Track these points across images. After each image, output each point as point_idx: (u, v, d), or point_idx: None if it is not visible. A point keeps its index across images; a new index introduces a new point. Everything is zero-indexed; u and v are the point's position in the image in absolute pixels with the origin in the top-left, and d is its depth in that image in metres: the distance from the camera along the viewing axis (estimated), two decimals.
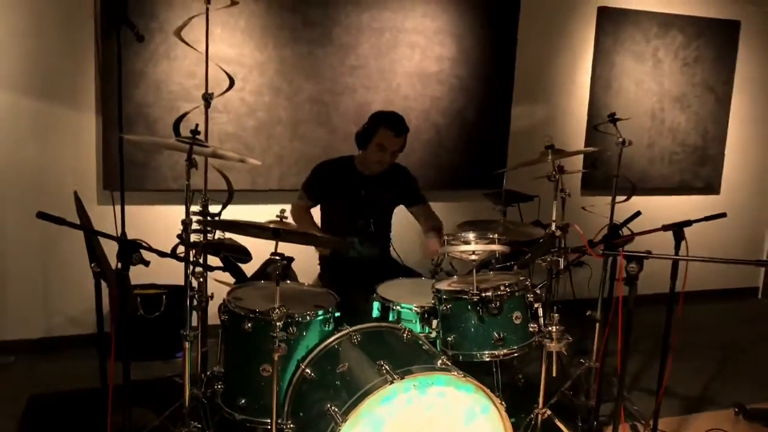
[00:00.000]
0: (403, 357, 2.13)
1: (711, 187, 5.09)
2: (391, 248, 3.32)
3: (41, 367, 3.42)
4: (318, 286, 2.89)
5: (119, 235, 2.81)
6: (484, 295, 2.28)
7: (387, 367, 1.96)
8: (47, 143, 3.49)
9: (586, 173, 4.46)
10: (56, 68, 3.45)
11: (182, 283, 3.51)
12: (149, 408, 2.82)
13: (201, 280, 2.52)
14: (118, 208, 3.01)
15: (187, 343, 2.36)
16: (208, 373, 2.76)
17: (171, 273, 3.34)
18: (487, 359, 2.33)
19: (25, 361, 3.45)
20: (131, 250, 1.90)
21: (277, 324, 2.10)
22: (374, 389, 1.90)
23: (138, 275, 3.29)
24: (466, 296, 2.32)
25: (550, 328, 2.42)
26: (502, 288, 2.32)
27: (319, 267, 3.27)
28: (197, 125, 2.34)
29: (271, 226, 2.06)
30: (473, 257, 2.29)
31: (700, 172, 5.02)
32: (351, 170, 3.16)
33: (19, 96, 3.40)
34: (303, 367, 2.26)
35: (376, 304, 2.69)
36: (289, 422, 2.23)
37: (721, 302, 5.18)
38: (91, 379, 3.20)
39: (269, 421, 2.17)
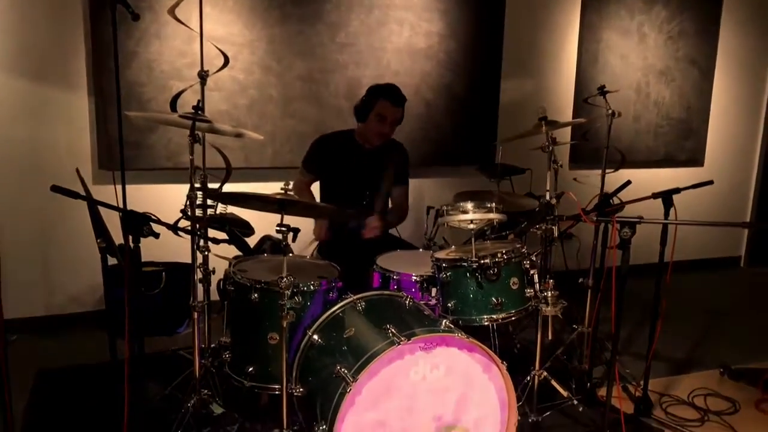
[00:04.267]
0: (407, 321, 2.20)
1: (695, 159, 5.22)
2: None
3: (44, 344, 3.46)
4: (319, 259, 2.95)
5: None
6: (482, 261, 2.35)
7: (393, 330, 2.03)
8: (41, 124, 3.49)
9: (574, 147, 4.55)
10: (46, 49, 3.44)
11: (180, 260, 3.59)
12: (157, 380, 2.88)
13: (206, 253, 2.57)
14: (116, 187, 3.03)
15: (195, 312, 2.41)
16: (213, 345, 2.83)
17: (168, 250, 3.39)
18: (486, 323, 2.41)
19: (27, 339, 3.48)
20: (142, 222, 1.94)
21: (286, 292, 2.17)
22: (382, 351, 1.97)
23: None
24: (465, 263, 2.39)
25: (545, 293, 2.52)
26: (499, 255, 2.39)
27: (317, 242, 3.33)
28: (199, 101, 2.38)
29: (276, 197, 2.10)
30: (471, 226, 2.36)
31: (684, 145, 5.13)
32: (351, 143, 3.21)
33: (10, 78, 3.40)
34: (310, 333, 2.33)
35: (376, 275, 2.76)
36: (299, 386, 2.30)
37: (706, 271, 5.33)
38: (96, 355, 3.26)
39: (278, 386, 2.24)
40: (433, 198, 3.71)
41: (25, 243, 3.56)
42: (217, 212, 2.68)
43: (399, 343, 1.97)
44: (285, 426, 2.26)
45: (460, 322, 2.42)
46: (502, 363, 2.14)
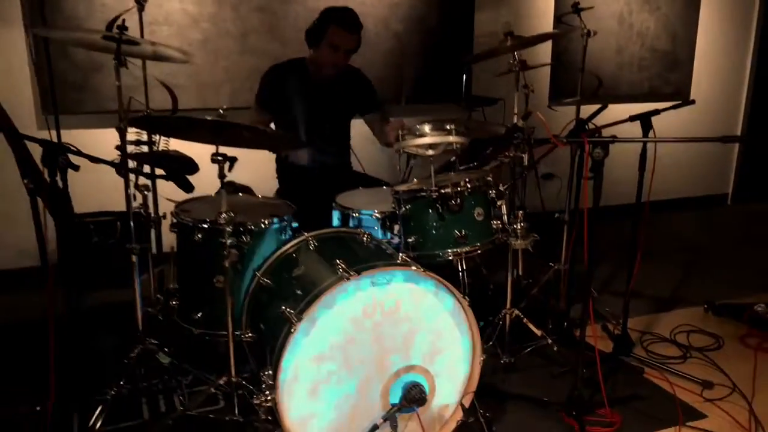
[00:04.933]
0: (361, 257, 2.03)
1: (681, 92, 4.99)
2: (353, 158, 3.16)
3: None
4: (275, 199, 2.75)
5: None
6: (443, 191, 2.16)
7: (343, 265, 1.85)
8: None
9: (554, 80, 4.29)
10: None
11: (136, 210, 3.38)
12: (108, 332, 2.71)
13: (146, 193, 2.36)
14: (51, 132, 2.79)
15: (133, 256, 2.22)
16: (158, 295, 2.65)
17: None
18: (451, 257, 2.23)
19: None
20: (57, 152, 1.73)
21: (226, 229, 1.98)
22: (329, 287, 1.79)
23: (88, 202, 3.13)
24: (425, 194, 2.20)
25: (514, 226, 2.34)
26: (462, 184, 2.20)
27: (277, 182, 3.12)
28: (123, 20, 2.13)
29: (208, 119, 1.89)
30: (430, 152, 2.15)
31: (669, 78, 4.90)
32: (303, 73, 2.96)
33: None
34: (259, 275, 2.15)
35: (335, 213, 2.58)
36: (248, 332, 2.14)
37: (692, 210, 5.18)
38: (41, 312, 3.07)
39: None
40: None
41: None
42: (159, 149, 2.47)
43: (348, 278, 1.79)
44: (233, 374, 2.11)
45: (422, 258, 2.23)
46: (465, 297, 1.97)
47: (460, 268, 2.64)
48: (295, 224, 2.42)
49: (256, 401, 1.83)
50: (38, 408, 2.21)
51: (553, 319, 2.91)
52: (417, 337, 1.95)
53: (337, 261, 1.88)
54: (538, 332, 2.60)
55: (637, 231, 2.57)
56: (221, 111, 1.90)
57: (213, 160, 1.93)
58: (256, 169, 3.00)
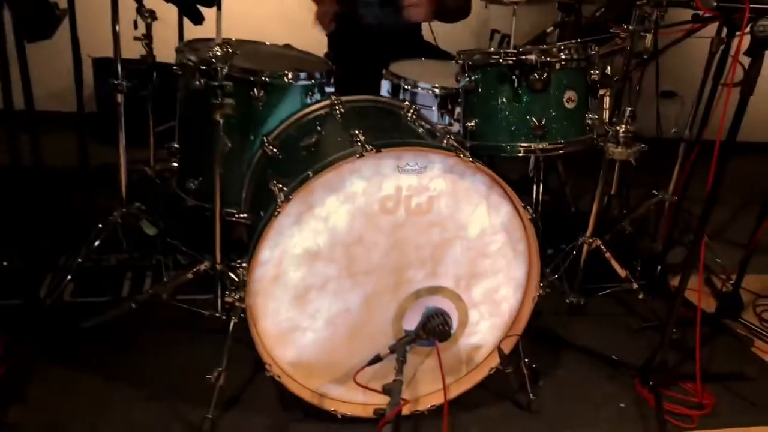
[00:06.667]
0: (392, 132, 1.49)
1: None
2: (426, 25, 2.51)
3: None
4: (313, 55, 2.21)
5: None
6: (524, 58, 1.54)
7: (362, 137, 1.32)
8: None
9: None
10: None
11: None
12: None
13: (149, 21, 1.89)
14: None
15: (118, 94, 1.78)
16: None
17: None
18: (521, 153, 1.64)
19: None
20: None
21: (220, 69, 1.48)
22: (335, 162, 1.28)
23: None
24: (498, 60, 1.59)
25: (617, 127, 1.70)
26: (553, 52, 1.57)
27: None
28: None
29: None
30: None
31: None
32: None
33: None
34: (267, 142, 1.66)
35: (384, 84, 2.03)
36: (244, 212, 1.68)
37: None
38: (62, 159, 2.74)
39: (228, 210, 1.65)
40: (501, 21, 2.78)
41: None
42: None
43: (362, 155, 1.27)
44: (218, 260, 1.68)
45: (481, 150, 1.67)
46: (524, 207, 1.40)
47: (534, 174, 2.05)
48: (329, 88, 1.89)
49: (228, 299, 1.40)
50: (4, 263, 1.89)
51: (644, 261, 2.30)
52: (451, 250, 1.43)
53: (356, 132, 1.34)
54: (623, 273, 2.02)
55: None
56: None
57: None
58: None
